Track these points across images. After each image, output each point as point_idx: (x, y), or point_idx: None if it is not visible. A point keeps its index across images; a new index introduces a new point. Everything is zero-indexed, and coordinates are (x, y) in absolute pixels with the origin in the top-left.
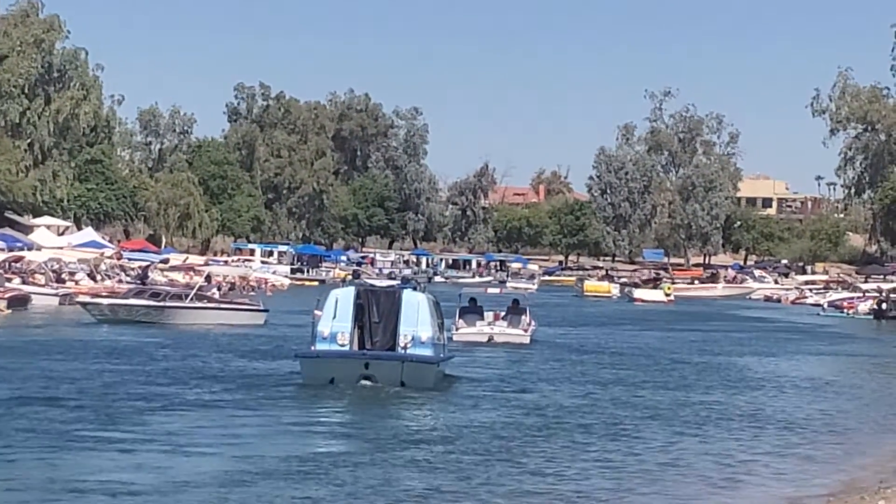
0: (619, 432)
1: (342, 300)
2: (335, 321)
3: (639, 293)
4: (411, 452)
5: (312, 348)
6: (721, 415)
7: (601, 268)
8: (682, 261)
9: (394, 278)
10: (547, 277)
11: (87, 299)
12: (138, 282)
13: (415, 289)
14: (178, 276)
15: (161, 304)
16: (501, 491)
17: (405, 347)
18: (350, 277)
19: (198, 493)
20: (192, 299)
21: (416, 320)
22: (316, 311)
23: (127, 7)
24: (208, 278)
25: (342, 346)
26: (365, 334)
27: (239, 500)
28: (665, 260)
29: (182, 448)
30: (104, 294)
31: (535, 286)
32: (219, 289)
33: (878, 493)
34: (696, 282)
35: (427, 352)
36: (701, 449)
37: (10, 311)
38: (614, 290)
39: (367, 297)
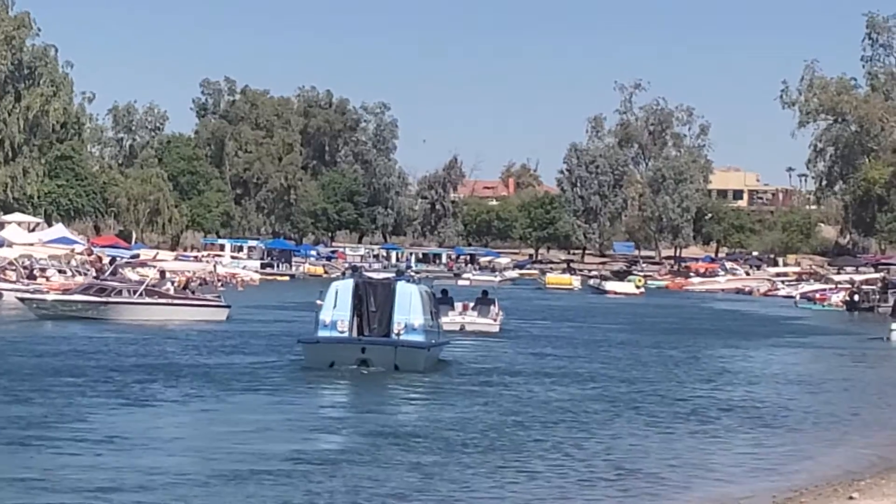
0: (589, 420)
1: (342, 291)
2: (335, 310)
3: (610, 285)
4: (399, 435)
5: (316, 335)
6: (681, 405)
7: (568, 260)
8: (652, 253)
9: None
10: (518, 271)
11: (28, 295)
12: (108, 277)
13: (409, 281)
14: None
15: (105, 299)
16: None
17: (398, 334)
18: (350, 269)
19: (184, 489)
20: (140, 295)
21: (409, 309)
22: (318, 301)
23: (95, 4)
24: (162, 274)
25: (341, 332)
26: (363, 322)
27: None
28: (636, 253)
29: (137, 447)
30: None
31: (498, 279)
32: (179, 285)
33: (852, 485)
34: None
35: (419, 338)
36: (665, 441)
37: None
38: (576, 282)
39: (364, 289)
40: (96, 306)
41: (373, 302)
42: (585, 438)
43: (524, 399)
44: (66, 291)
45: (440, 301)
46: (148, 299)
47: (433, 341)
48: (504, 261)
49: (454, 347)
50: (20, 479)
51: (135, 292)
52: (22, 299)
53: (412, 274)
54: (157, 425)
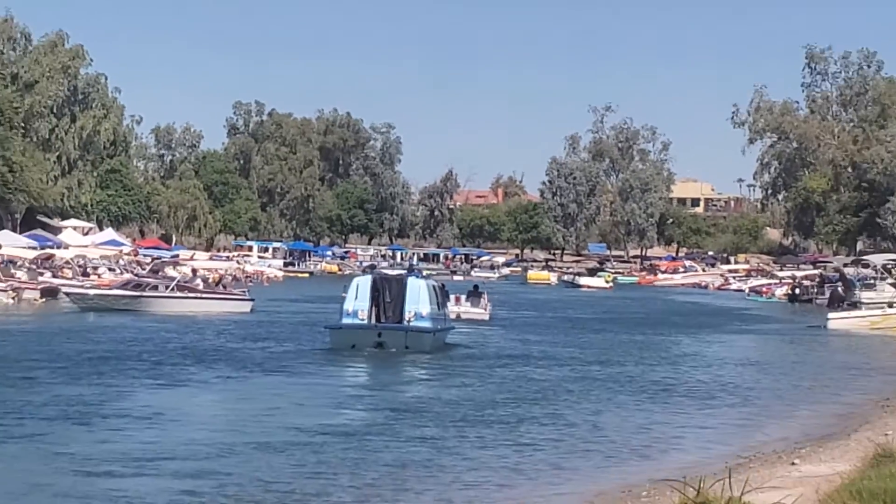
0: (569, 397)
1: (362, 285)
2: (356, 301)
3: (584, 280)
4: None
5: (340, 322)
6: (647, 385)
7: (547, 259)
8: (622, 253)
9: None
10: (508, 269)
11: (73, 290)
12: (152, 274)
13: (418, 276)
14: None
15: (140, 294)
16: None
17: (409, 321)
18: (369, 267)
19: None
20: (172, 290)
21: (418, 300)
22: (342, 294)
23: (141, 38)
24: (194, 271)
25: (362, 320)
26: (379, 311)
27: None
28: (607, 253)
29: (173, 422)
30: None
31: (496, 276)
32: (209, 280)
33: (794, 452)
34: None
35: (426, 324)
36: (632, 416)
37: (43, 300)
38: (553, 278)
39: (381, 283)
40: (133, 300)
41: (388, 294)
42: (566, 413)
43: (512, 378)
44: (105, 287)
45: None
46: (179, 294)
47: (438, 327)
48: (500, 259)
49: (452, 333)
50: (77, 450)
51: (168, 287)
52: (67, 294)
53: (421, 270)
54: (194, 403)
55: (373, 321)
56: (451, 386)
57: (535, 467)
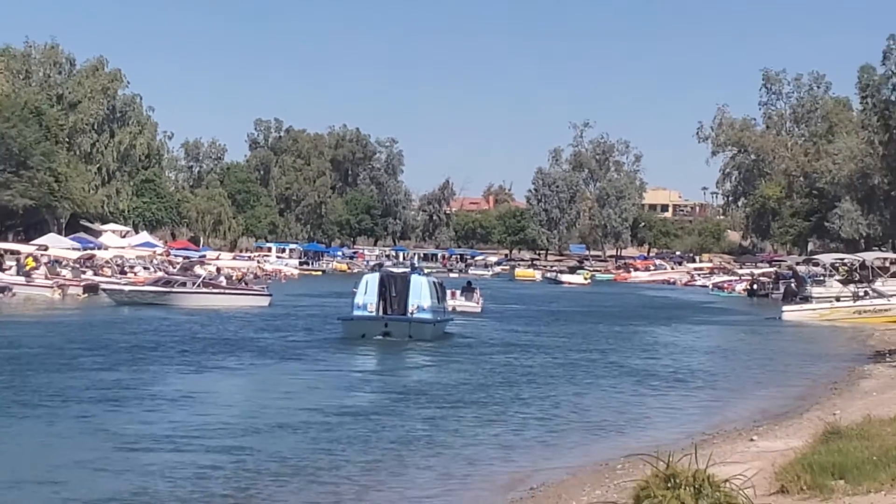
0: (552, 380)
1: (370, 281)
2: (366, 296)
3: (565, 277)
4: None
5: (352, 314)
6: (623, 370)
7: (532, 258)
8: (600, 253)
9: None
10: (497, 268)
11: (110, 286)
12: (182, 272)
13: (420, 274)
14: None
15: (169, 289)
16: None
17: (412, 313)
18: (377, 265)
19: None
20: (198, 286)
21: (420, 295)
22: (353, 289)
23: (172, 61)
24: (218, 270)
25: (370, 312)
26: (386, 304)
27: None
28: (586, 252)
29: (206, 403)
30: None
31: (490, 273)
32: (232, 278)
33: (752, 430)
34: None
35: (427, 316)
36: (609, 398)
37: (85, 295)
38: (537, 275)
39: (387, 279)
40: (163, 295)
41: (393, 289)
42: (551, 395)
43: (503, 364)
44: (140, 284)
45: None
46: (204, 289)
47: (438, 318)
48: (493, 259)
49: (450, 324)
50: (116, 429)
51: (194, 284)
52: (105, 290)
53: (422, 269)
54: (219, 387)
55: (380, 313)
56: (450, 371)
57: (525, 443)
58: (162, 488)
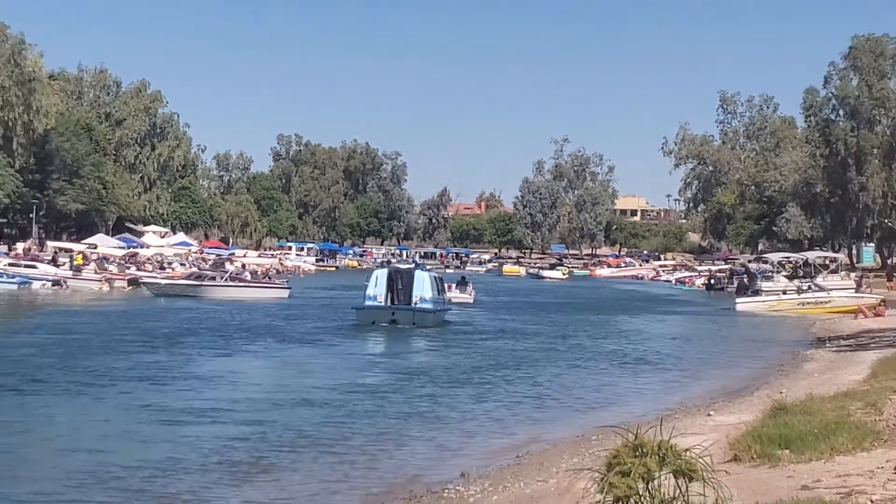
0: (536, 363)
1: (380, 276)
2: (376, 288)
3: (546, 273)
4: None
5: (364, 304)
6: (597, 354)
7: (518, 256)
8: (577, 252)
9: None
10: (490, 264)
11: (148, 280)
12: (214, 268)
13: (423, 269)
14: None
15: (199, 283)
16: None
17: (416, 303)
18: (385, 262)
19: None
20: (226, 280)
21: (423, 287)
22: (365, 283)
23: (206, 82)
24: (243, 266)
25: (380, 302)
26: (393, 295)
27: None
28: (566, 252)
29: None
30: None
31: (484, 269)
32: (257, 273)
33: (709, 406)
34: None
35: (428, 306)
36: (585, 378)
37: (129, 288)
38: (522, 271)
39: (394, 274)
40: (194, 288)
41: (400, 283)
42: (535, 375)
43: (494, 348)
44: (176, 278)
45: None
46: (231, 283)
47: (438, 308)
48: (486, 257)
49: (448, 313)
50: (155, 404)
51: (223, 278)
52: (143, 283)
53: (425, 265)
54: (244, 368)
55: (388, 303)
56: (448, 354)
57: (513, 417)
58: (192, 456)
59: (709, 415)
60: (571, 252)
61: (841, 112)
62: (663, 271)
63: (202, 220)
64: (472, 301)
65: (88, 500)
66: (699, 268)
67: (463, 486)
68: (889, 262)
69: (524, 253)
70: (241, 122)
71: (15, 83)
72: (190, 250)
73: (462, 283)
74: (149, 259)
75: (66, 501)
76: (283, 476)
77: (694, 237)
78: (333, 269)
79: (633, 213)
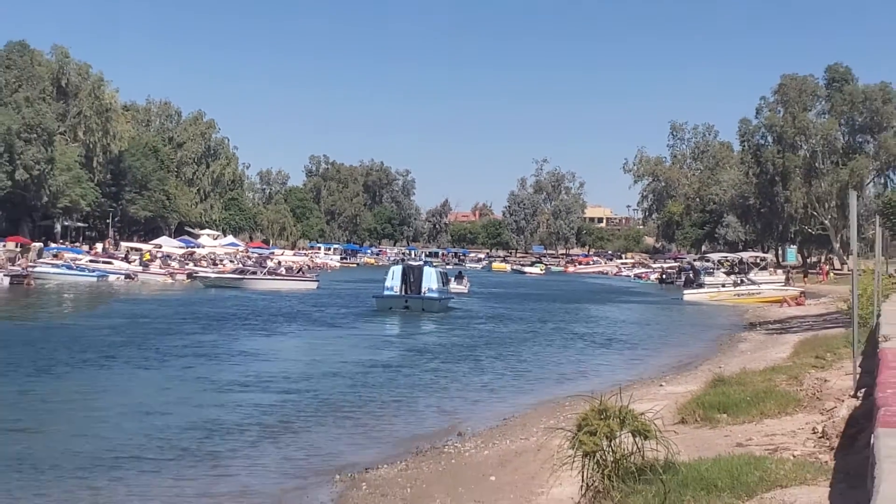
0: (521, 343)
1: (395, 270)
2: (392, 280)
3: (527, 269)
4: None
5: (382, 293)
6: (570, 335)
7: (505, 256)
8: (554, 252)
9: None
10: (484, 262)
11: (200, 274)
12: (256, 265)
13: (430, 265)
14: (275, 261)
15: (242, 276)
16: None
17: (424, 293)
18: (400, 259)
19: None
20: (265, 273)
21: (431, 280)
22: (384, 276)
23: (251, 110)
24: (279, 263)
25: (395, 292)
26: (407, 286)
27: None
28: (545, 252)
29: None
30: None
31: (480, 266)
32: (292, 268)
33: (661, 378)
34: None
35: (435, 295)
36: (560, 355)
37: (188, 280)
38: (508, 267)
39: (407, 269)
40: (238, 280)
41: (412, 276)
42: (519, 352)
43: (486, 331)
44: (225, 272)
45: None
46: (268, 276)
47: (443, 297)
48: (480, 256)
49: (451, 302)
50: (207, 376)
51: (261, 272)
52: (198, 277)
53: (432, 262)
54: (281, 346)
55: (402, 293)
56: (450, 335)
57: (502, 387)
58: (232, 418)
59: (661, 385)
60: (549, 252)
61: (769, 138)
62: (624, 268)
63: (247, 225)
64: (467, 291)
65: (151, 455)
66: (653, 265)
67: (459, 443)
68: (808, 261)
69: (510, 253)
70: (279, 145)
71: (95, 113)
72: (237, 250)
73: (459, 276)
74: (204, 257)
75: (133, 457)
76: (309, 436)
77: (649, 240)
78: (355, 265)
79: (600, 220)
